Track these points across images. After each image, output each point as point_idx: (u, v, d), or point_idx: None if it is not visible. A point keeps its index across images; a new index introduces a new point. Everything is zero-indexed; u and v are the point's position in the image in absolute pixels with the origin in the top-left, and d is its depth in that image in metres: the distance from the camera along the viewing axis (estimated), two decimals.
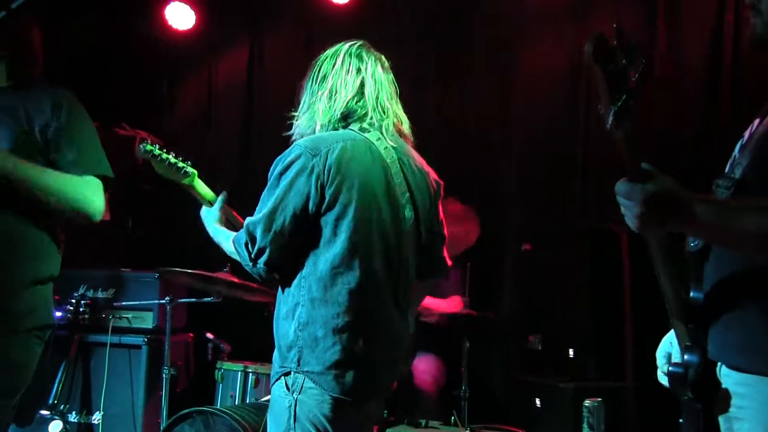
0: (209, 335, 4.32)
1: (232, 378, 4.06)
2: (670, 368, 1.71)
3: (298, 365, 2.16)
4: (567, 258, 4.08)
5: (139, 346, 4.38)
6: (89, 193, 2.32)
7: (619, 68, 1.41)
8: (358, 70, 2.36)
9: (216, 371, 4.13)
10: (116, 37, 5.77)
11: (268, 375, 3.97)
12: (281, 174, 2.21)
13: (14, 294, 2.20)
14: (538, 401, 3.83)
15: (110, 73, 5.68)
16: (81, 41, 5.31)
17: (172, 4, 5.66)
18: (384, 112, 2.37)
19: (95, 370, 4.40)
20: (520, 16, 4.94)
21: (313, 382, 2.14)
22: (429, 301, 4.09)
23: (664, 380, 1.85)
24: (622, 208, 1.53)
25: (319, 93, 2.35)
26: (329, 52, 2.42)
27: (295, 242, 2.20)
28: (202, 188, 2.65)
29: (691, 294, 1.73)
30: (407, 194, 2.35)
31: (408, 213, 2.34)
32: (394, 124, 2.40)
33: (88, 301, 4.44)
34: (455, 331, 4.05)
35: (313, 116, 2.35)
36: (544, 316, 4.11)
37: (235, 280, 3.99)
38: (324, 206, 2.19)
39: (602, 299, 3.88)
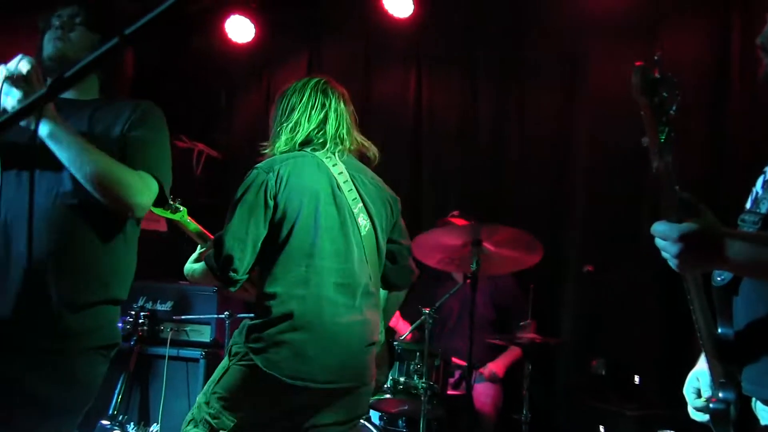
0: None
1: None
2: (711, 405, 1.71)
3: (246, 341, 2.45)
4: (633, 281, 3.99)
5: (196, 360, 4.41)
6: (137, 185, 2.23)
7: (661, 100, 1.42)
8: (323, 105, 2.65)
9: None
10: (176, 50, 5.85)
11: None
12: (243, 193, 2.53)
13: (84, 311, 2.21)
14: (602, 428, 3.74)
15: (169, 85, 5.76)
16: (141, 55, 5.38)
17: (231, 17, 5.72)
18: (341, 142, 2.66)
19: (153, 381, 4.46)
20: (586, 30, 4.84)
21: (251, 357, 2.41)
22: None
23: (697, 416, 1.85)
24: (661, 250, 1.54)
25: (285, 124, 2.64)
26: (298, 84, 2.71)
27: (256, 248, 2.49)
28: (191, 223, 2.93)
29: (720, 330, 1.72)
30: (359, 203, 2.61)
31: (363, 220, 2.59)
32: (350, 150, 2.70)
33: (147, 313, 4.49)
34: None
35: (276, 143, 2.65)
36: (609, 340, 4.02)
37: None
38: (277, 212, 2.49)
39: (670, 324, 3.79)
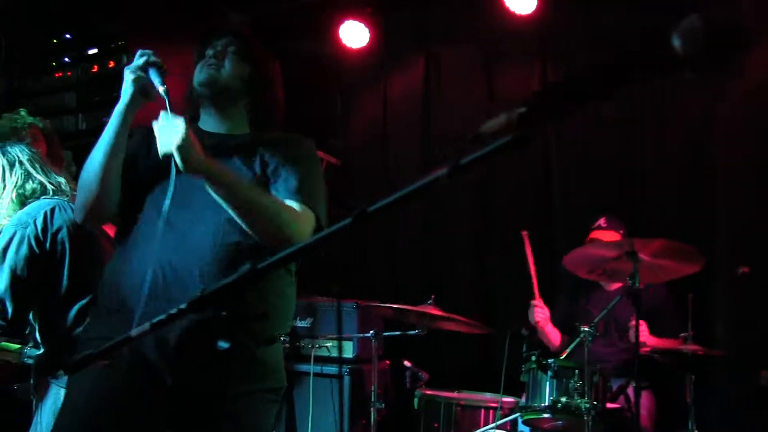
0: (407, 363, 4.36)
1: (434, 407, 4.10)
2: None
3: None
4: None
5: (341, 376, 4.47)
6: (293, 217, 2.25)
7: None
8: None
9: (416, 399, 4.17)
10: (291, 58, 5.89)
11: (472, 406, 3.99)
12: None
13: (263, 354, 2.26)
14: None
15: (286, 94, 5.82)
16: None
17: (346, 22, 5.73)
18: None
19: (299, 398, 4.57)
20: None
21: None
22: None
23: None
24: None
25: None
26: None
27: None
28: None
29: None
30: None
31: None
32: None
33: (289, 330, 4.56)
34: (678, 367, 3.91)
35: None
36: None
37: (439, 312, 4.02)
38: None
39: None
